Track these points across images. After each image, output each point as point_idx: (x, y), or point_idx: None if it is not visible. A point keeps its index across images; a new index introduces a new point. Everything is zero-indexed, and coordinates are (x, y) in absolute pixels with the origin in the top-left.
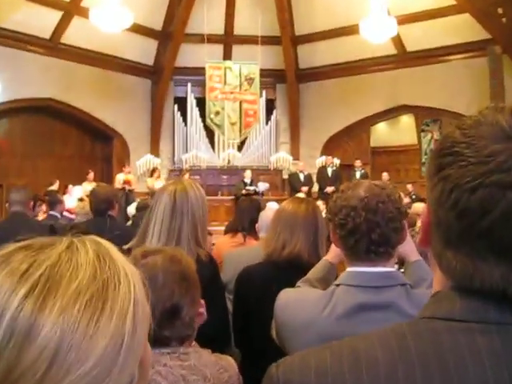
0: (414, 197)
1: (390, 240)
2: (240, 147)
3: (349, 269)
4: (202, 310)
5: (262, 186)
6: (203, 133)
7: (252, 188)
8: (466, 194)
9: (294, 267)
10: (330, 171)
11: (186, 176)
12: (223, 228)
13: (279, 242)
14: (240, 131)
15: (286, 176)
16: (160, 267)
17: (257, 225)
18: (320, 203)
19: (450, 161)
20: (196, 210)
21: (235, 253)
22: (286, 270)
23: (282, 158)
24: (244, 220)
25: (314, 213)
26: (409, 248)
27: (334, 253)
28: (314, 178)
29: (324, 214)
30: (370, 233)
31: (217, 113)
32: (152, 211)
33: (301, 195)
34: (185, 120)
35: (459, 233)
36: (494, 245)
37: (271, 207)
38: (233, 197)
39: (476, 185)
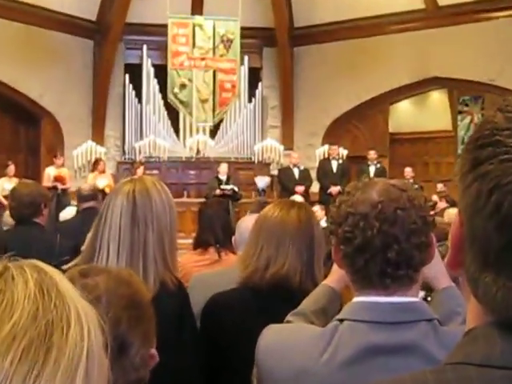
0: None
1: (413, 259)
2: (213, 132)
3: (356, 298)
4: (153, 350)
5: (262, 182)
6: (164, 113)
7: (229, 187)
8: (510, 197)
9: (281, 294)
10: (334, 165)
11: (140, 170)
12: (191, 241)
13: (261, 261)
14: (213, 111)
15: (275, 171)
16: (103, 289)
17: (233, 238)
18: (318, 209)
19: (489, 153)
20: (162, 217)
21: (204, 276)
22: (271, 297)
23: (269, 148)
24: (215, 229)
25: (308, 221)
26: (437, 270)
27: (336, 276)
28: (314, 175)
29: (324, 224)
30: (385, 250)
31: (182, 86)
32: (103, 220)
33: (296, 198)
34: (139, 95)
35: (501, 249)
36: None
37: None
38: (203, 199)
39: None
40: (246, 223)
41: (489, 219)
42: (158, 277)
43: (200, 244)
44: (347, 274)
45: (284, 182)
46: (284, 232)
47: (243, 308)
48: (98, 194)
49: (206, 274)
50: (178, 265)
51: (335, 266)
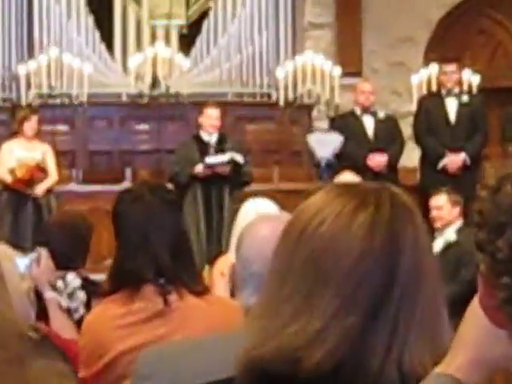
0: None
1: None
2: (188, 42)
3: None
4: None
5: (327, 147)
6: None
7: (226, 157)
8: None
9: None
10: (452, 108)
11: (30, 125)
12: None
13: (300, 322)
14: None
15: (322, 123)
16: None
17: (228, 268)
18: (444, 201)
19: None
20: None
21: (167, 353)
22: None
23: (310, 71)
24: (155, 247)
25: (389, 241)
26: None
27: (470, 351)
28: (408, 130)
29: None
30: None
31: None
32: None
33: (346, 177)
34: None
35: None
36: None
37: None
38: (168, 184)
39: None
40: (260, 237)
41: None
42: None
43: (122, 281)
44: None
45: (345, 145)
46: (340, 266)
47: None
48: None
49: (157, 350)
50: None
51: (465, 329)
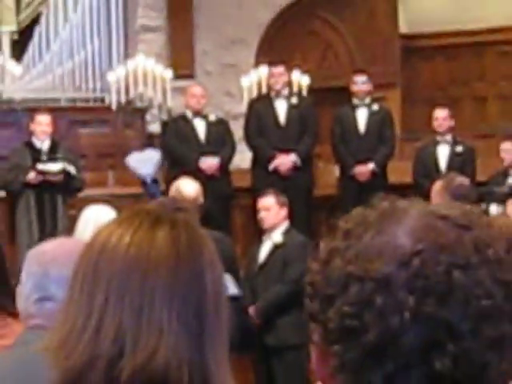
0: None
1: (486, 374)
2: (21, 47)
3: None
4: None
5: (147, 165)
6: None
7: (57, 166)
8: None
9: None
10: (281, 110)
11: None
12: None
13: (104, 338)
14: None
15: (153, 126)
16: None
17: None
18: (273, 203)
19: None
20: None
21: None
22: None
23: (143, 75)
24: None
25: (193, 254)
26: None
27: None
28: (239, 132)
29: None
30: (428, 355)
31: None
32: None
33: (183, 186)
34: None
35: None
36: None
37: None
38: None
39: None
40: (64, 248)
41: None
42: None
43: None
44: None
45: (174, 149)
46: (148, 279)
47: None
48: None
49: None
50: None
51: None
